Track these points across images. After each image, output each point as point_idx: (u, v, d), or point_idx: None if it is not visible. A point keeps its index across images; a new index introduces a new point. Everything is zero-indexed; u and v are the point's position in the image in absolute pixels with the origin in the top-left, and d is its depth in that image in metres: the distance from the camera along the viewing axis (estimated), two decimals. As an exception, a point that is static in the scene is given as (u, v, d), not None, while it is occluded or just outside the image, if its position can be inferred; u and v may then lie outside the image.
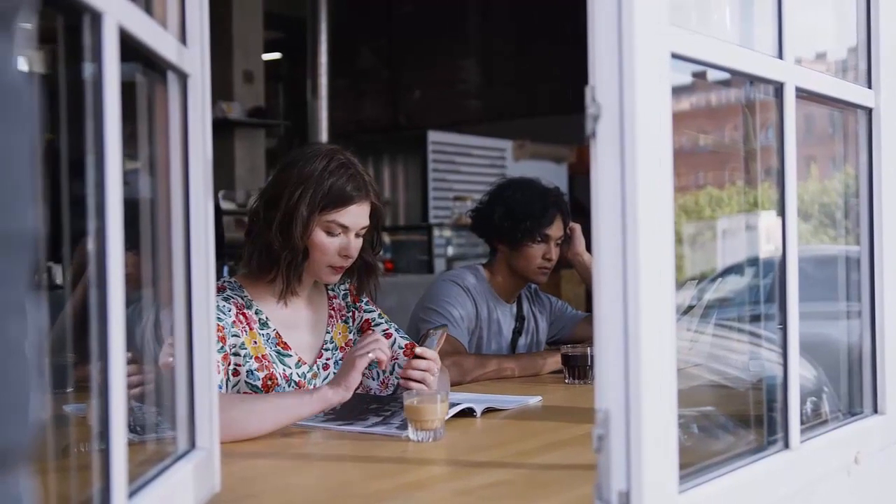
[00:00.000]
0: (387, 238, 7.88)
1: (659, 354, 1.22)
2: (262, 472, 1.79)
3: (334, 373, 2.34)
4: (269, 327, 2.28)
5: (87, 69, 1.04)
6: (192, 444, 1.40)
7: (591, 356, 2.73)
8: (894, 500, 1.96)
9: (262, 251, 2.26)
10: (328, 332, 2.40)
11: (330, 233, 2.25)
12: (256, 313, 2.28)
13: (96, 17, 1.01)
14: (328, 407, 2.05)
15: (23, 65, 0.62)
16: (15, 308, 0.59)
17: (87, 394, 1.26)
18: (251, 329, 2.24)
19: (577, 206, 3.43)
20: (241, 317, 2.22)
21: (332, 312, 2.43)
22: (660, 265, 1.23)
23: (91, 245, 1.04)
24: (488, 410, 2.25)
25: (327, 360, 2.38)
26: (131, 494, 1.10)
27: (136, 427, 1.40)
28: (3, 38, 0.59)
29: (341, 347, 2.41)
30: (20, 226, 0.60)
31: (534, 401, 2.42)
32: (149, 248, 1.39)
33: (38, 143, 0.62)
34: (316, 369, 2.34)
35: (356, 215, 2.26)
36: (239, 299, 2.25)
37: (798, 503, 1.60)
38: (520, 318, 3.22)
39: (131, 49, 1.13)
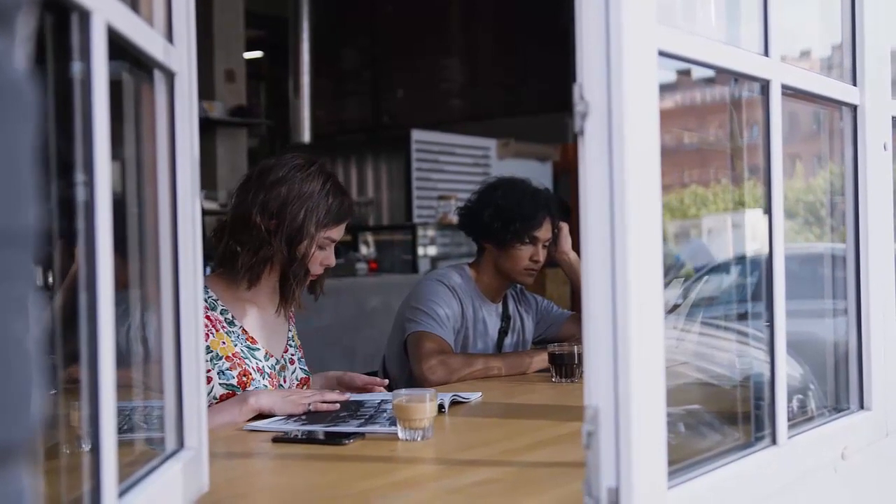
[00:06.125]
0: (370, 238, 7.87)
1: (648, 351, 1.22)
2: (250, 472, 1.79)
3: (300, 368, 2.51)
4: (235, 325, 2.36)
5: (75, 67, 1.03)
6: (181, 444, 1.40)
7: (578, 354, 2.73)
8: (880, 495, 1.97)
9: (262, 262, 2.33)
10: (290, 331, 2.54)
11: (321, 247, 2.38)
12: (222, 313, 2.36)
13: (84, 16, 1.01)
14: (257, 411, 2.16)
15: (23, 63, 0.61)
16: (18, 304, 0.59)
17: (72, 395, 1.25)
18: (217, 330, 2.31)
19: (562, 205, 3.43)
20: (205, 320, 2.25)
21: (291, 315, 2.56)
22: (648, 262, 1.23)
23: (79, 246, 1.03)
24: (454, 403, 2.31)
25: (292, 355, 2.51)
26: (121, 494, 1.10)
27: (122, 427, 1.40)
28: (3, 35, 0.59)
29: (299, 347, 2.56)
30: (23, 222, 0.60)
31: (475, 397, 2.44)
32: (135, 248, 1.38)
33: (38, 141, 0.62)
34: (283, 362, 2.46)
35: (343, 230, 2.44)
36: (202, 294, 2.29)
37: (786, 498, 1.61)
38: (506, 318, 3.22)
39: (118, 47, 1.13)
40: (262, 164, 2.42)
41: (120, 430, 1.12)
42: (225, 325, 2.33)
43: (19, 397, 0.59)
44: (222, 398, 2.25)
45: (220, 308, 2.35)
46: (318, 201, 2.33)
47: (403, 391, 2.03)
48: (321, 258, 2.38)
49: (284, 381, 2.42)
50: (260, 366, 2.35)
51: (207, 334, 2.26)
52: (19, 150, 0.59)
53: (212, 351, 2.27)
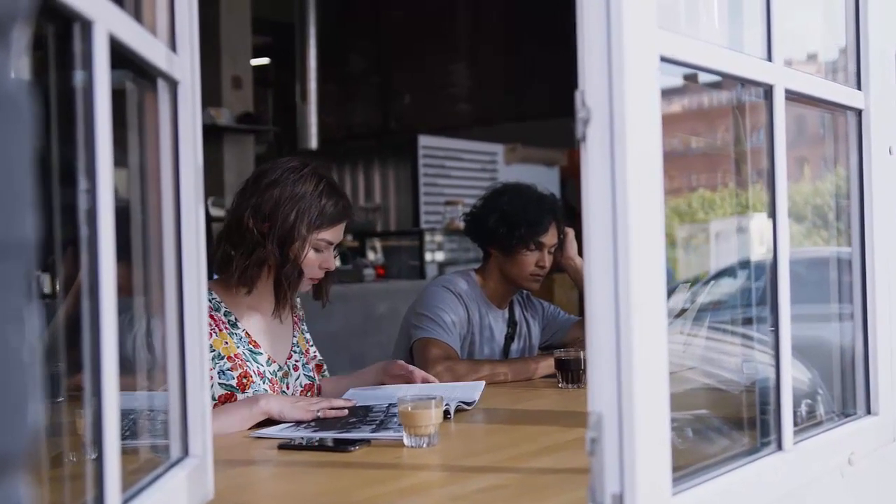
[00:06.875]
0: (378, 243, 7.87)
1: (651, 356, 1.22)
2: (255, 480, 1.79)
3: (304, 374, 2.50)
4: (239, 328, 2.37)
5: (77, 76, 1.04)
6: (186, 452, 1.40)
7: (584, 360, 2.73)
8: (888, 501, 1.96)
9: (256, 265, 2.33)
10: (294, 337, 2.53)
11: (317, 249, 2.37)
12: (226, 315, 2.36)
13: (87, 25, 1.01)
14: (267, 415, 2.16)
15: (20, 73, 0.62)
16: (14, 315, 0.60)
17: (78, 403, 1.26)
18: (221, 330, 2.33)
19: (569, 210, 3.43)
20: (209, 319, 2.26)
21: (296, 320, 2.56)
22: (651, 267, 1.23)
23: (82, 254, 1.03)
24: (459, 410, 2.30)
25: (296, 361, 2.50)
26: (125, 502, 1.10)
27: (125, 433, 1.40)
28: (1, 46, 0.59)
29: (304, 352, 2.54)
30: (19, 233, 0.60)
31: (479, 390, 2.46)
32: (139, 256, 1.39)
33: (36, 152, 0.62)
34: (287, 368, 2.45)
35: (341, 232, 2.42)
36: (206, 302, 2.30)
37: (792, 504, 1.60)
38: (512, 324, 3.22)
39: (121, 56, 1.13)
40: (258, 169, 2.45)
41: (123, 437, 1.12)
42: (228, 326, 2.34)
43: (16, 408, 0.59)
44: (221, 399, 2.25)
45: (223, 310, 2.35)
46: (310, 202, 2.33)
47: (409, 397, 2.03)
48: (319, 261, 2.38)
49: (287, 388, 2.42)
50: (261, 370, 2.35)
51: (210, 333, 2.26)
52: (16, 162, 0.59)
53: (214, 350, 2.27)
